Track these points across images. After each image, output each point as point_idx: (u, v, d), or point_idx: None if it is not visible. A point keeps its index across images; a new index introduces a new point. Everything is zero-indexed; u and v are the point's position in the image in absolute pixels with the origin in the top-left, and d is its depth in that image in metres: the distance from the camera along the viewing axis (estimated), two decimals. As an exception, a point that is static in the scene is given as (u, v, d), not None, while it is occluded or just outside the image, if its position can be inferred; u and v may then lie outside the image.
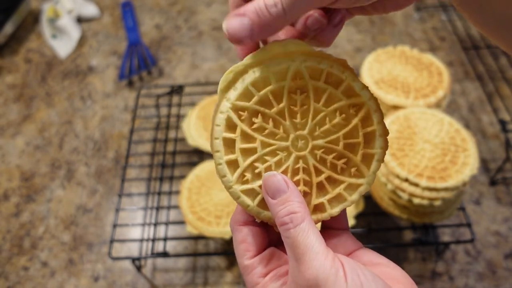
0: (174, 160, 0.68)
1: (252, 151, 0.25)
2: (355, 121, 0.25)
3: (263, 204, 0.26)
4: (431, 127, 0.55)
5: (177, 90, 0.75)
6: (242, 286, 0.57)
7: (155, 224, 0.60)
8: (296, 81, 0.25)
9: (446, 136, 0.54)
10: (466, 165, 0.51)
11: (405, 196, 0.51)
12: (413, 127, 0.55)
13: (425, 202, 0.50)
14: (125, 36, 0.92)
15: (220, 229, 0.54)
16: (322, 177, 0.26)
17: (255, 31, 0.22)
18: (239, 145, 0.25)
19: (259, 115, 0.25)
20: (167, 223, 0.60)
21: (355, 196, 0.26)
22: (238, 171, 0.25)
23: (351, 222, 0.55)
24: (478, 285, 0.56)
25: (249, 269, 0.25)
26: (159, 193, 0.64)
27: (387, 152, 0.51)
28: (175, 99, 0.76)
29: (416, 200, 0.50)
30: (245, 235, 0.26)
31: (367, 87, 0.25)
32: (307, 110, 0.25)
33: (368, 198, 0.59)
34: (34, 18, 0.96)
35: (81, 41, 0.91)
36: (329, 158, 0.26)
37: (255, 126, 0.25)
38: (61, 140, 0.75)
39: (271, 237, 0.27)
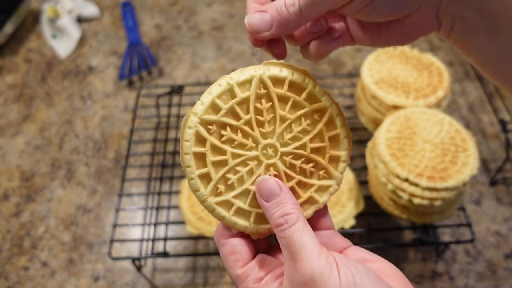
0: (174, 160, 0.68)
1: (223, 163, 0.26)
2: (319, 126, 0.26)
3: (238, 214, 0.26)
4: (431, 127, 0.55)
5: (177, 90, 0.75)
6: (242, 286, 0.57)
7: (155, 224, 0.60)
8: (261, 91, 0.26)
9: (446, 136, 0.54)
10: (466, 165, 0.51)
11: (405, 196, 0.51)
12: (413, 127, 0.55)
13: (425, 202, 0.50)
14: (125, 36, 0.92)
15: (220, 229, 0.54)
16: (293, 182, 0.26)
17: (274, 26, 0.25)
18: (210, 158, 0.26)
19: (227, 127, 0.26)
20: (167, 223, 0.60)
21: (325, 197, 0.27)
22: (211, 184, 0.26)
23: (351, 222, 0.55)
24: (478, 285, 0.56)
25: (243, 277, 0.26)
26: (159, 193, 0.64)
27: (387, 152, 0.52)
28: (175, 99, 0.76)
29: (416, 200, 0.50)
30: (232, 246, 0.26)
31: (328, 93, 0.26)
32: (273, 119, 0.26)
33: (368, 198, 0.59)
34: (34, 18, 0.96)
35: (81, 41, 0.91)
36: (298, 163, 0.26)
37: (224, 138, 0.26)
38: (61, 140, 0.75)
39: (257, 247, 0.28)
